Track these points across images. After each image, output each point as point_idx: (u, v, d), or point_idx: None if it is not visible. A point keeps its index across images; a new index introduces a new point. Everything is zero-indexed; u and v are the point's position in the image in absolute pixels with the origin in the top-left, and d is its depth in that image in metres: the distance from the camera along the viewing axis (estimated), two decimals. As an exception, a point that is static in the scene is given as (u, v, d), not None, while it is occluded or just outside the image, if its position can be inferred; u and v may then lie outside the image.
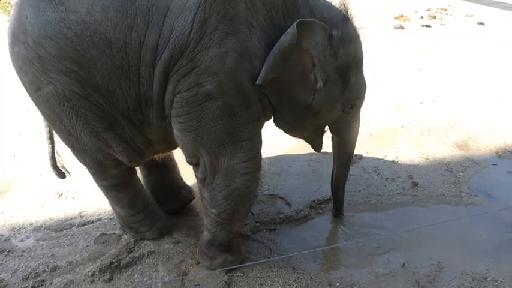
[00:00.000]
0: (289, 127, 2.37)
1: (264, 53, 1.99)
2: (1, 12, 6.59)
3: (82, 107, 2.08)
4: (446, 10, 7.44)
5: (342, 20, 2.15)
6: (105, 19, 1.90)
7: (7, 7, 6.61)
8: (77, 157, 2.39)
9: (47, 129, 2.47)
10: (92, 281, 2.41)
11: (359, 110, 2.48)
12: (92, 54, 1.93)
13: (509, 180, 3.25)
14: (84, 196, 3.12)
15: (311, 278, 2.43)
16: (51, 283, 2.41)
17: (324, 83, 2.12)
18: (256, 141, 2.18)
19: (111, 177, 2.43)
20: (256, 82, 1.98)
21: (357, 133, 2.57)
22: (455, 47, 5.79)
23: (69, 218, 2.94)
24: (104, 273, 2.44)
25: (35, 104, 2.23)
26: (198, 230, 2.77)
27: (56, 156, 2.57)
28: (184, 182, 2.98)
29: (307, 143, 2.58)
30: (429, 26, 6.71)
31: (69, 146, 2.34)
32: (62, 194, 3.16)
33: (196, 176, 2.27)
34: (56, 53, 1.95)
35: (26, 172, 3.38)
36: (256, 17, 1.97)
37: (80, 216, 2.94)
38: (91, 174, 2.48)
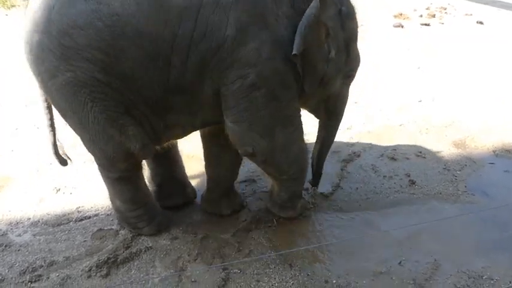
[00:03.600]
0: (305, 99, 2.50)
1: (292, 38, 2.16)
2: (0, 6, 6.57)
3: (101, 92, 2.14)
4: (445, 9, 7.44)
5: None
6: (139, 12, 2.01)
7: (5, 1, 6.59)
8: (85, 146, 2.44)
9: (48, 116, 2.48)
10: (89, 276, 2.41)
11: (351, 82, 2.71)
12: (122, 44, 2.03)
13: (506, 179, 3.26)
14: (82, 191, 3.12)
15: (308, 275, 2.43)
16: (48, 278, 2.41)
17: (336, 52, 2.34)
18: (298, 114, 2.46)
19: (119, 170, 2.46)
20: (293, 52, 2.13)
21: (345, 105, 2.78)
22: (454, 45, 5.79)
23: (66, 213, 2.93)
24: (101, 268, 2.44)
25: (46, 93, 2.29)
26: (195, 227, 2.78)
27: (58, 143, 2.58)
28: (189, 181, 3.00)
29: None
30: (428, 25, 6.71)
31: (78, 134, 2.39)
32: (59, 189, 3.15)
33: (255, 162, 2.54)
34: (84, 42, 2.02)
35: (24, 167, 3.38)
36: (281, 7, 2.17)
37: (78, 212, 2.94)
38: (98, 164, 2.51)
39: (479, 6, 7.53)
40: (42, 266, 2.48)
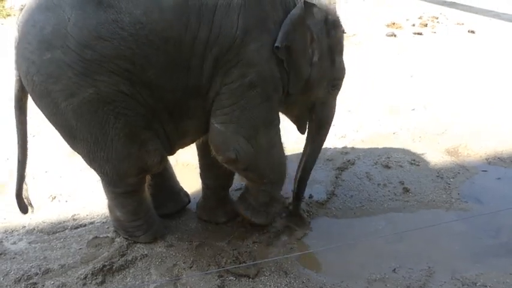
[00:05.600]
0: (288, 105, 2.59)
1: None
2: (-5, 16, 6.58)
3: (125, 107, 2.16)
4: (437, 18, 7.52)
5: (333, 9, 2.55)
6: (162, 19, 2.06)
7: (1, 10, 6.60)
8: (93, 165, 2.39)
9: (21, 157, 2.47)
10: (84, 284, 2.41)
11: (337, 94, 2.77)
12: (147, 51, 2.07)
13: (498, 186, 3.30)
14: (78, 199, 3.12)
15: (303, 282, 2.45)
16: (43, 286, 2.41)
17: (319, 57, 2.46)
18: (279, 117, 2.54)
19: (127, 185, 2.46)
20: (275, 44, 2.25)
21: (333, 117, 2.81)
22: (446, 54, 5.86)
23: (62, 221, 2.93)
24: (96, 276, 2.44)
25: (53, 115, 2.19)
26: (191, 234, 2.78)
27: (24, 185, 2.54)
28: (181, 185, 3.01)
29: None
30: (421, 34, 6.78)
31: (87, 155, 2.33)
32: (55, 197, 3.15)
33: (236, 169, 2.56)
34: (110, 53, 2.03)
35: (19, 175, 3.36)
36: (278, 14, 2.30)
37: (73, 219, 2.94)
38: (104, 181, 2.49)
39: (470, 16, 7.62)
40: (38, 274, 2.48)
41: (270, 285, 2.42)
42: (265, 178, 2.58)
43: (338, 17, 2.57)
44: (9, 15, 6.59)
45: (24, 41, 2.08)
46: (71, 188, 3.22)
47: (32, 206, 2.63)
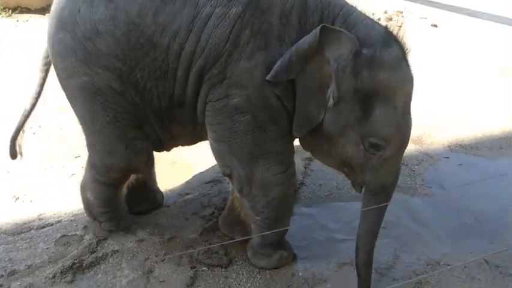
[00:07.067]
0: (309, 148, 2.25)
1: None
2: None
3: (115, 102, 2.14)
4: (402, 13, 7.71)
5: (381, 42, 1.92)
6: (155, 23, 1.98)
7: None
8: (87, 144, 2.41)
9: (29, 107, 2.49)
10: (53, 283, 2.35)
11: (391, 159, 2.04)
12: (137, 54, 2.02)
13: (460, 172, 3.43)
14: (43, 199, 3.04)
15: (275, 269, 2.47)
16: (10, 287, 2.34)
17: (336, 102, 1.94)
18: (290, 154, 2.22)
19: (110, 178, 2.45)
20: (266, 77, 1.93)
21: (388, 189, 2.12)
22: (410, 47, 6.01)
23: (27, 222, 2.84)
24: (65, 274, 2.40)
25: (62, 87, 2.30)
26: (162, 228, 2.77)
27: (21, 132, 2.57)
28: (158, 187, 2.99)
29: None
30: (386, 28, 6.94)
31: (83, 131, 2.38)
32: (18, 198, 3.05)
33: (233, 186, 2.30)
34: (105, 50, 2.04)
35: (-19, 176, 3.26)
36: (289, 33, 1.98)
37: (39, 219, 2.86)
38: (89, 163, 2.48)
39: (433, 10, 7.85)
40: (3, 276, 2.41)
41: (243, 274, 2.44)
42: (258, 215, 2.27)
43: (387, 53, 1.89)
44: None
45: (50, 18, 2.21)
46: (36, 188, 3.13)
47: (21, 155, 2.62)
